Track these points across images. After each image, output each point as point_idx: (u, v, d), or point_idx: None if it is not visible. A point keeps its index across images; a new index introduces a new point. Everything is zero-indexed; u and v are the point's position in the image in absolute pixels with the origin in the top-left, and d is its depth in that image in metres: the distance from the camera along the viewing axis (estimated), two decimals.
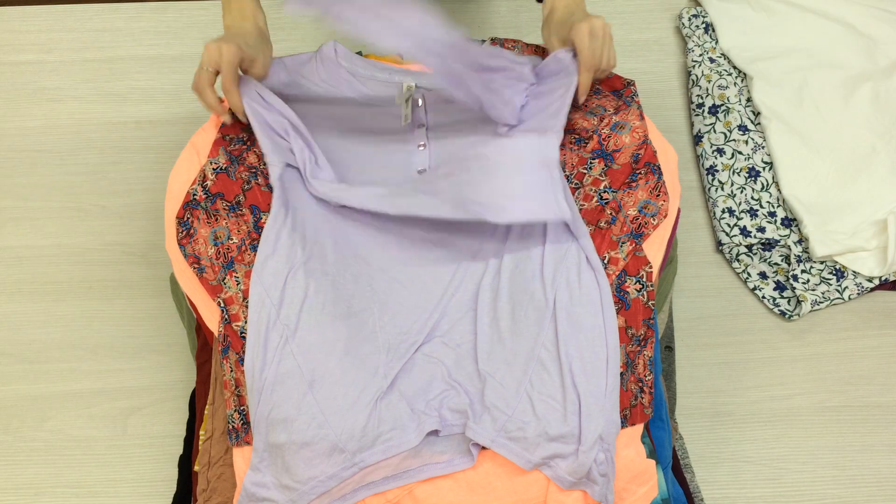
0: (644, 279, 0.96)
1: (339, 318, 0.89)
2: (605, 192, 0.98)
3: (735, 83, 1.27)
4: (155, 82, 1.31)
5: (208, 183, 0.99)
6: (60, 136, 1.28)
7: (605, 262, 0.95)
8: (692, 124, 1.28)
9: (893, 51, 1.28)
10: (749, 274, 1.18)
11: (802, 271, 1.16)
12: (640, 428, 0.92)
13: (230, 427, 0.91)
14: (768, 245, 1.20)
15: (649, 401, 0.93)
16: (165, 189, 1.20)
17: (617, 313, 0.94)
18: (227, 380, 0.93)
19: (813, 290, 1.15)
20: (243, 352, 0.92)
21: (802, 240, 1.18)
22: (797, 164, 1.20)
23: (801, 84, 1.26)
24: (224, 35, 1.01)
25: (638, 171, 0.99)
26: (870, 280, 1.16)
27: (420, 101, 1.06)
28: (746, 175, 1.21)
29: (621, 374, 0.91)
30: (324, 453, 0.82)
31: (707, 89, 1.27)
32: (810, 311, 1.16)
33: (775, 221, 1.19)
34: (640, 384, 0.93)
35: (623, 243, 0.96)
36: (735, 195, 1.20)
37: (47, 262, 1.19)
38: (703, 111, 1.26)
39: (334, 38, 1.33)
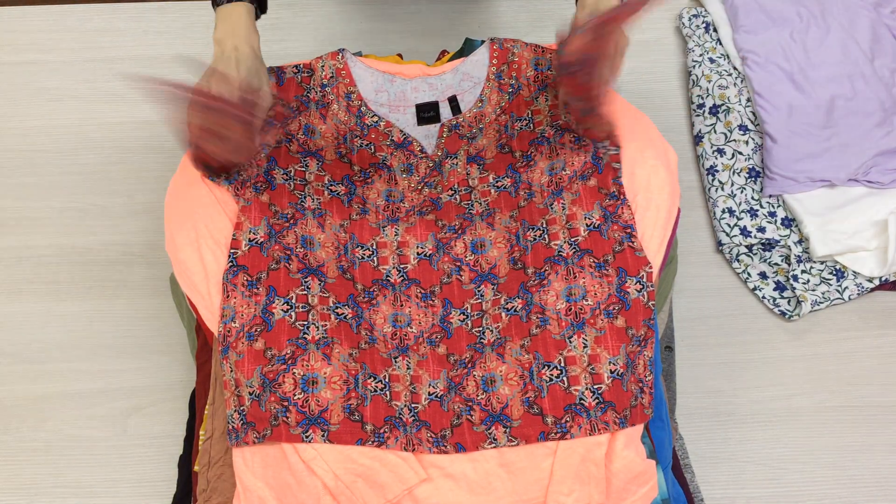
0: (644, 279, 0.96)
1: None
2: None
3: (735, 83, 1.27)
4: None
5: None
6: (60, 136, 1.28)
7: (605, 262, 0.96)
8: (692, 124, 1.28)
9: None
10: (749, 274, 1.18)
11: (802, 271, 1.16)
12: (640, 428, 0.92)
13: (230, 427, 0.91)
14: (768, 245, 1.20)
15: (649, 401, 0.93)
16: (165, 189, 1.20)
17: (617, 313, 0.94)
18: (227, 380, 0.93)
19: (813, 290, 1.15)
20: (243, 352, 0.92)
21: (802, 240, 1.18)
22: None
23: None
24: (217, 58, 0.93)
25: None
26: (870, 280, 1.16)
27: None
28: (747, 175, 1.21)
29: (621, 374, 0.91)
30: None
31: (707, 89, 1.27)
32: (810, 311, 1.16)
33: (775, 221, 1.19)
34: (640, 384, 0.93)
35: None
36: (735, 195, 1.20)
37: (47, 262, 1.19)
38: (704, 111, 1.26)
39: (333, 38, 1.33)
